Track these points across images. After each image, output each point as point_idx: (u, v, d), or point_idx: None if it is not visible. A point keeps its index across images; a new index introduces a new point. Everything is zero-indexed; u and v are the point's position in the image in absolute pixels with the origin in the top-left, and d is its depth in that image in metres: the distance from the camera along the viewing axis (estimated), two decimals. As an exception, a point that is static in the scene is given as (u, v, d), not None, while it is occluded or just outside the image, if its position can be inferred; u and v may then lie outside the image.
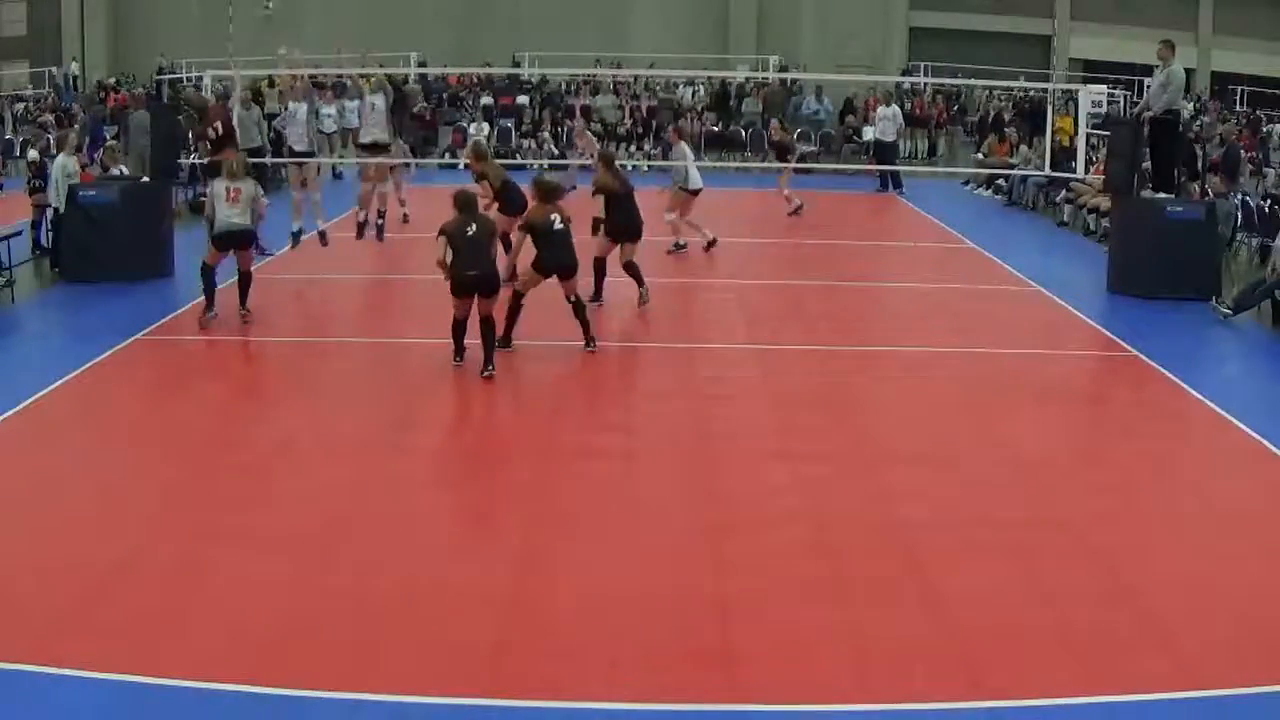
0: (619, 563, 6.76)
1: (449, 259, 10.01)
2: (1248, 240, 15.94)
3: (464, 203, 10.31)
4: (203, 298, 11.79)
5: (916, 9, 37.28)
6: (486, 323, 10.14)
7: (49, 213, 14.50)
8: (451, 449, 8.64)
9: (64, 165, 14.20)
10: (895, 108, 24.58)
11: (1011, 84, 26.93)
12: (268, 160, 18.52)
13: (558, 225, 10.74)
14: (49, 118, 26.76)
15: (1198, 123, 25.63)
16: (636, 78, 30.15)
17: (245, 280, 11.88)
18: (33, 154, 16.12)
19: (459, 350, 10.29)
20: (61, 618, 5.96)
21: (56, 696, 5.28)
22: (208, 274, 11.73)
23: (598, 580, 6.54)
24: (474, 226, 10.12)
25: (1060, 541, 7.13)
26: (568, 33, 35.55)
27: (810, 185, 21.26)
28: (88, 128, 25.85)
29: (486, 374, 9.99)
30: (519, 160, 22.21)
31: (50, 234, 14.57)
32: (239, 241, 11.67)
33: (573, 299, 10.86)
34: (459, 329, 10.24)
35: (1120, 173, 14.48)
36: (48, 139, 17.45)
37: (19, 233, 13.60)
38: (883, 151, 23.86)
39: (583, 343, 10.85)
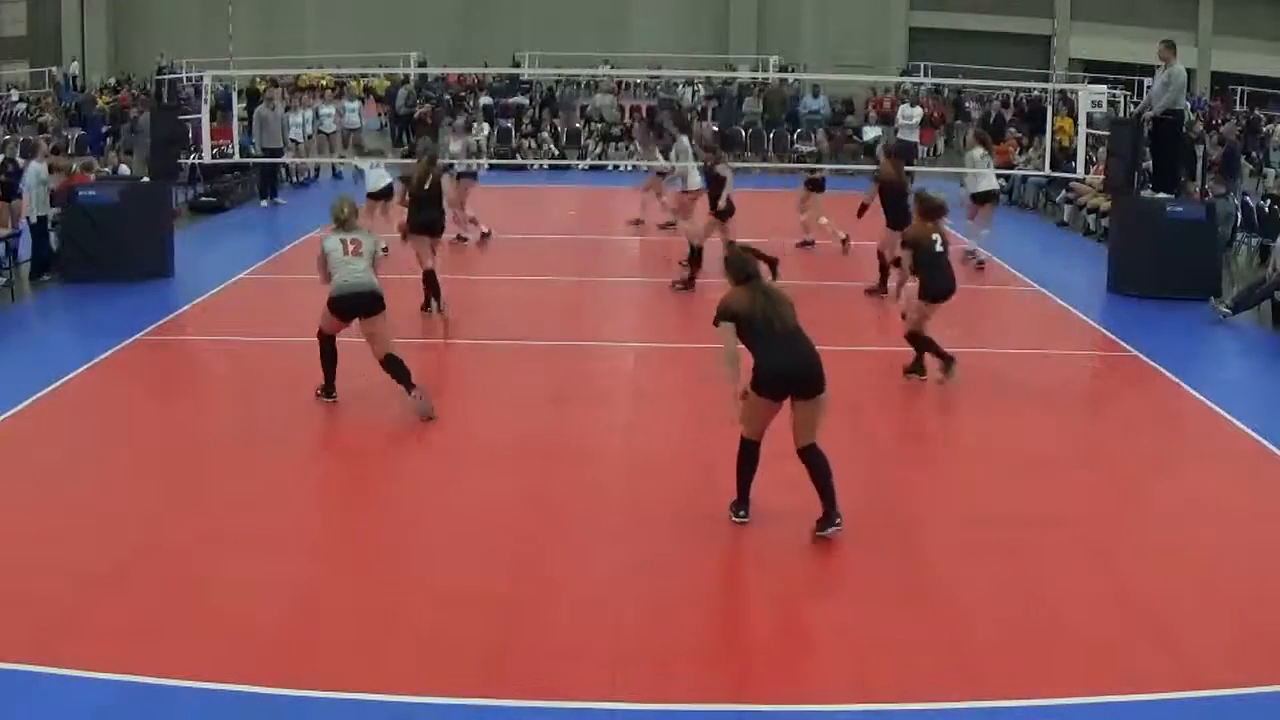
0: (618, 562, 6.76)
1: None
2: (1248, 240, 15.94)
3: None
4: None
5: (916, 9, 37.34)
6: None
7: (24, 222, 13.66)
8: (452, 449, 8.64)
9: (37, 172, 13.75)
10: (919, 109, 24.52)
11: (1011, 84, 26.89)
12: (287, 160, 18.52)
13: (938, 247, 9.87)
14: (49, 117, 26.81)
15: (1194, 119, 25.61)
16: (646, 78, 30.13)
17: (394, 370, 9.04)
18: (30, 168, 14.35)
19: None
20: (61, 618, 5.96)
21: (56, 696, 5.28)
22: (326, 346, 9.31)
23: (597, 580, 6.54)
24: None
25: (1060, 541, 7.12)
26: (568, 33, 35.57)
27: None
28: (62, 130, 25.94)
29: None
30: (519, 160, 22.20)
31: (34, 240, 13.66)
32: (368, 306, 8.96)
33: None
34: None
35: (1120, 173, 14.48)
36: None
37: (18, 233, 13.58)
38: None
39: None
